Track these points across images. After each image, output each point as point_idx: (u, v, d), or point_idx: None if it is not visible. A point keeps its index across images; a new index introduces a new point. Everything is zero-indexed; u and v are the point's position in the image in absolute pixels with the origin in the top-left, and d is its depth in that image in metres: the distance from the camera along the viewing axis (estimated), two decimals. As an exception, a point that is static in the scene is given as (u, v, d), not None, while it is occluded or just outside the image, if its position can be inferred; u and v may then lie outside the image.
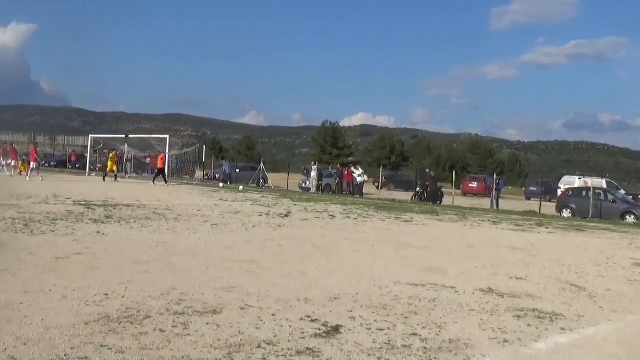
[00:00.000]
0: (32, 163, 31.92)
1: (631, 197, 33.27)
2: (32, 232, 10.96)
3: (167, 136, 42.09)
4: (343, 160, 71.20)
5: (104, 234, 11.29)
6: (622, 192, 35.36)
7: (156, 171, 36.11)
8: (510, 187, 68.13)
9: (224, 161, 47.46)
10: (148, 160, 47.60)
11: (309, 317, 6.05)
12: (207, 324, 5.55)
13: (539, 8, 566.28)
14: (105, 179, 35.20)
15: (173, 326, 5.40)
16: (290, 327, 5.65)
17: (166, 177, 35.52)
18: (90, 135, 47.58)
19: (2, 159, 35.24)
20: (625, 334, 6.33)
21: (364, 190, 36.79)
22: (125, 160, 45.23)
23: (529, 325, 6.38)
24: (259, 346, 4.99)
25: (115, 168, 37.12)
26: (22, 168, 35.23)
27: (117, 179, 36.25)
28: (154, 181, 34.26)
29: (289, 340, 5.20)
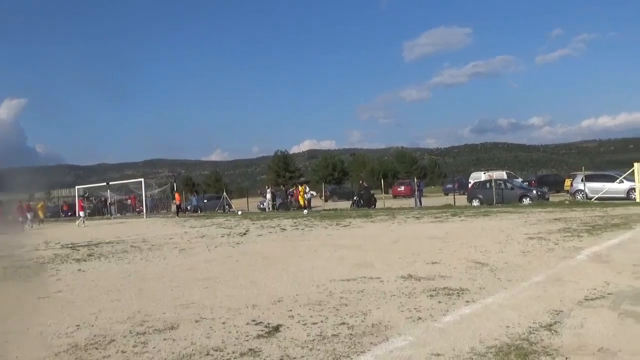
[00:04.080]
0: (80, 212, 33.18)
1: (526, 183, 33.95)
2: (20, 278, 10.46)
3: (142, 179, 41.24)
4: (295, 182, 71.02)
5: (84, 271, 10.86)
6: (519, 180, 36.05)
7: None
8: (432, 187, 69.03)
9: (193, 195, 46.79)
10: (129, 201, 46.56)
11: (254, 320, 5.87)
12: (164, 339, 5.32)
13: (441, 39, 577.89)
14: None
15: (134, 346, 5.15)
16: (237, 332, 5.46)
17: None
18: (76, 187, 46.17)
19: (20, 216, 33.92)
20: (518, 299, 6.32)
21: (312, 204, 36.62)
22: (109, 203, 44.14)
23: (439, 302, 6.33)
24: (208, 353, 4.80)
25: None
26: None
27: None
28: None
29: (234, 344, 5.02)
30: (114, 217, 41.41)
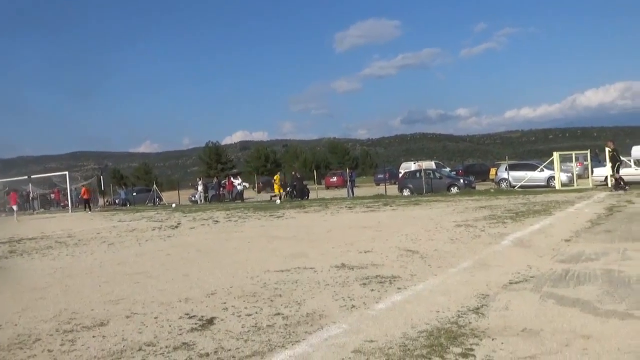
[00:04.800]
0: (14, 207, 32.10)
1: (454, 172, 35.05)
2: None
3: (66, 172, 39.60)
4: (227, 173, 70.18)
5: (5, 269, 10.36)
6: (447, 169, 37.22)
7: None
8: (364, 177, 69.94)
9: (121, 188, 45.49)
10: (53, 196, 44.68)
11: (187, 314, 5.79)
12: (93, 336, 5.16)
13: (371, 31, 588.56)
14: None
15: (61, 344, 4.97)
16: (170, 326, 5.37)
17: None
18: (-4, 181, 43.91)
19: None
20: (447, 284, 6.52)
21: (245, 196, 36.40)
22: (32, 198, 42.22)
23: (372, 290, 6.43)
24: (140, 349, 4.69)
25: None
26: None
27: None
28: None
29: (167, 339, 4.93)
30: (36, 212, 39.69)
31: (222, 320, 5.48)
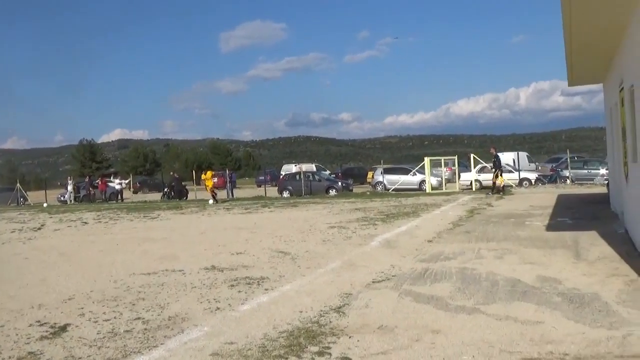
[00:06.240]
0: None
1: (333, 175, 35.83)
2: None
3: None
4: (102, 172, 66.88)
5: None
6: (327, 172, 37.97)
7: None
8: (247, 178, 69.69)
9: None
10: None
11: (39, 321, 5.42)
12: None
13: (257, 32, 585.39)
14: None
15: None
16: (17, 335, 4.99)
17: None
18: None
19: None
20: (314, 285, 6.62)
21: (124, 196, 34.88)
22: None
23: (239, 291, 6.40)
24: (-23, 361, 4.32)
25: None
26: None
27: None
28: None
29: (11, 349, 4.58)
30: None
31: (76, 326, 5.19)
